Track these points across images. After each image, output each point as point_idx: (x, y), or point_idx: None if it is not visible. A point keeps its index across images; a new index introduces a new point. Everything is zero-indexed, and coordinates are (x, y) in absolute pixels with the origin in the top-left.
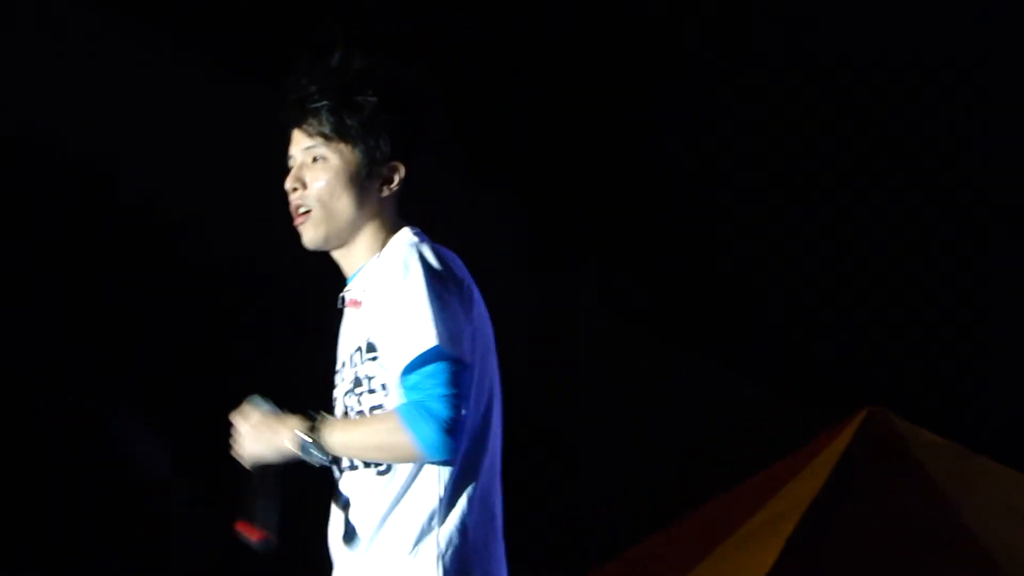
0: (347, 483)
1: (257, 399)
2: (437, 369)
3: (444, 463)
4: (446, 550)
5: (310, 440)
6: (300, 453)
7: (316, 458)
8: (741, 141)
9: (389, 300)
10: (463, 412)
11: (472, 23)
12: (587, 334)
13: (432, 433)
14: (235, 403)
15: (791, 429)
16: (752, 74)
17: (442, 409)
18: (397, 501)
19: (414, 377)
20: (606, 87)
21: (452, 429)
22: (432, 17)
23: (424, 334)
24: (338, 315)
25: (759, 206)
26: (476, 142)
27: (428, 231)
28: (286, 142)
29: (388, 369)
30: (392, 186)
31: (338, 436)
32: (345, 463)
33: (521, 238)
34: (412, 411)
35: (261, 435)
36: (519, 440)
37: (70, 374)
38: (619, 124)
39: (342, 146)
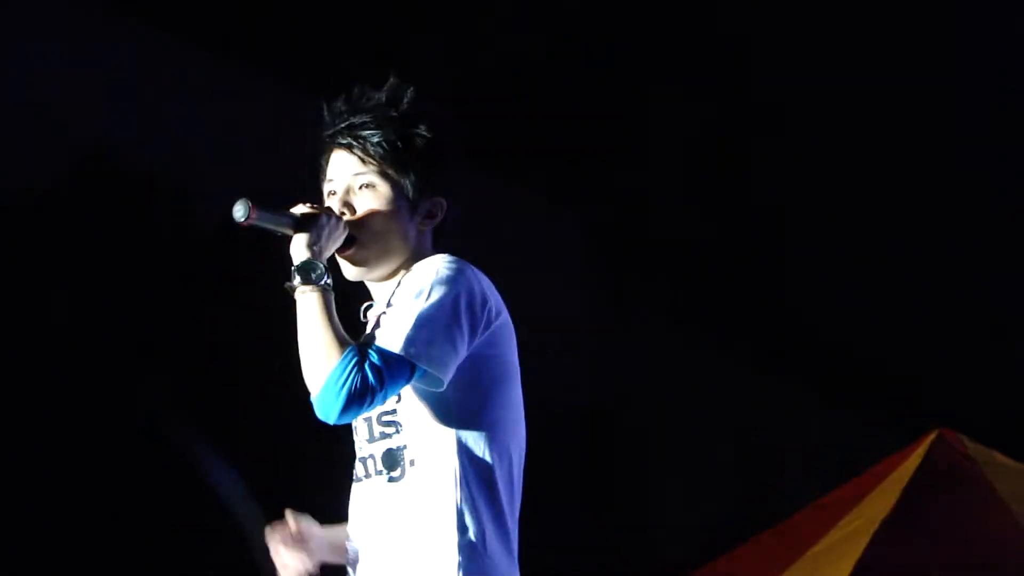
0: (361, 492)
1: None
2: (390, 356)
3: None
4: (467, 561)
5: (297, 275)
6: (294, 259)
7: (291, 278)
8: (809, 151)
9: (395, 299)
10: (376, 399)
11: (529, 31)
12: (650, 349)
13: (342, 393)
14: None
15: (862, 449)
16: (820, 82)
17: (368, 383)
18: (414, 510)
19: (370, 345)
20: (658, 95)
21: (353, 403)
22: (489, 24)
23: (397, 338)
24: (361, 328)
25: (829, 218)
26: (527, 149)
27: (477, 239)
28: (320, 163)
29: None
30: (434, 220)
31: (307, 305)
32: (359, 473)
33: (580, 246)
34: (354, 363)
35: (315, 219)
36: (578, 452)
37: (136, 385)
38: (680, 130)
39: (394, 177)
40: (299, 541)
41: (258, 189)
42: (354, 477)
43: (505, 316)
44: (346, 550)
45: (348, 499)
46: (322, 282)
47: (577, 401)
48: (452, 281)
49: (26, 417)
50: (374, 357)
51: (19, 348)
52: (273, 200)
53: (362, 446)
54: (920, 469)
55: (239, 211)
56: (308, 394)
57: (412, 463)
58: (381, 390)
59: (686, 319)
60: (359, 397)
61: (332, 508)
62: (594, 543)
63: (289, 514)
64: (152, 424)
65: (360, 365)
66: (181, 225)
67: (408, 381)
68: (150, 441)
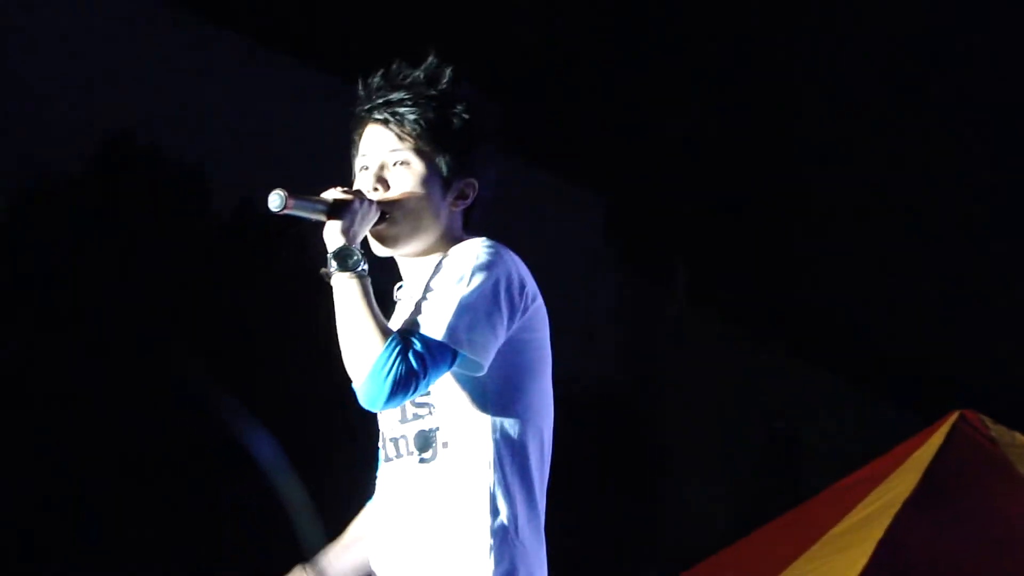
0: (392, 472)
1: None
2: (432, 343)
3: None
4: (499, 544)
5: (334, 261)
6: (329, 245)
7: (327, 265)
8: (840, 140)
9: (432, 283)
10: (420, 386)
11: (552, 18)
12: (673, 330)
13: (387, 382)
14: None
15: (884, 431)
16: (861, 72)
17: (413, 371)
18: (445, 492)
19: (413, 332)
20: (685, 82)
21: (399, 391)
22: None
23: (439, 325)
24: (392, 307)
25: (856, 205)
26: (550, 133)
27: (512, 226)
28: (349, 143)
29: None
30: (465, 201)
31: (346, 292)
32: (390, 453)
33: (607, 232)
34: (398, 351)
35: (348, 204)
36: (599, 434)
37: (170, 365)
38: (703, 119)
39: (429, 155)
40: None
41: (276, 172)
42: (384, 457)
43: (540, 300)
44: (364, 563)
45: (372, 479)
46: (359, 268)
47: (598, 384)
48: (492, 266)
49: (56, 397)
50: (417, 345)
51: (45, 329)
52: (292, 184)
53: (394, 426)
54: (941, 450)
55: (275, 202)
56: (329, 373)
57: (445, 445)
58: (425, 377)
59: (707, 304)
60: (404, 385)
61: (357, 487)
62: (616, 524)
63: (298, 571)
64: (193, 399)
65: (404, 353)
66: (201, 208)
67: (450, 367)
68: (186, 419)
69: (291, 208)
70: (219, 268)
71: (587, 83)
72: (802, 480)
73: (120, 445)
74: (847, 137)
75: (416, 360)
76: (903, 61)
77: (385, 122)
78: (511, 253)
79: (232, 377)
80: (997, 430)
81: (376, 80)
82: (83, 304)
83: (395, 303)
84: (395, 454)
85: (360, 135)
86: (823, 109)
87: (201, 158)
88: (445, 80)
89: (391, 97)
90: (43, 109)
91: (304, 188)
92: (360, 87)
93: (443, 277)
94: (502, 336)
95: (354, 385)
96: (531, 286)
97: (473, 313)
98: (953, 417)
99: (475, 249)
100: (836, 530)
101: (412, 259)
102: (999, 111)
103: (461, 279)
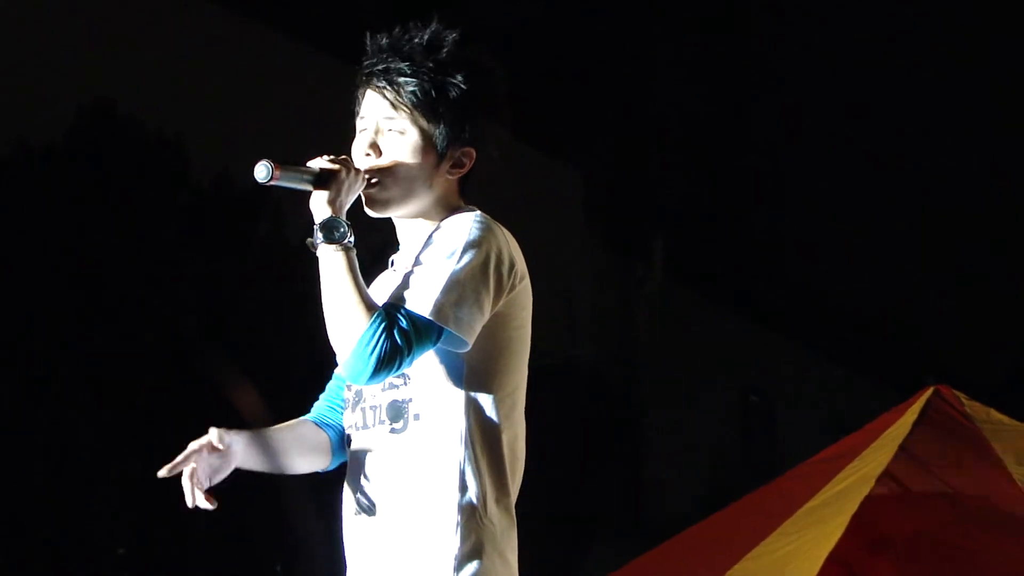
0: (362, 441)
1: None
2: (418, 319)
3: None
4: (466, 521)
5: (320, 232)
6: (316, 216)
7: (315, 236)
8: (814, 115)
9: (422, 256)
10: (404, 362)
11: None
12: (650, 303)
13: (371, 358)
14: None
15: (859, 406)
16: (820, 55)
17: (398, 347)
18: (414, 465)
19: (399, 308)
20: (662, 57)
21: (383, 368)
22: None
23: (425, 300)
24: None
25: (832, 182)
26: (531, 106)
27: (494, 201)
28: (353, 101)
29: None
30: (462, 170)
31: (331, 265)
32: (369, 421)
33: (585, 207)
34: (383, 327)
35: (335, 175)
36: (576, 406)
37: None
38: (683, 92)
39: (424, 125)
40: (217, 452)
41: (256, 142)
42: (357, 425)
43: (527, 280)
44: (269, 453)
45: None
46: (345, 240)
47: (576, 356)
48: (482, 241)
49: (35, 369)
50: (402, 321)
51: (22, 300)
52: (272, 154)
53: (375, 393)
54: (916, 425)
55: (262, 172)
56: (309, 343)
57: (416, 417)
58: (410, 354)
59: (684, 277)
60: (389, 361)
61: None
62: (592, 496)
63: (215, 432)
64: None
65: (389, 329)
66: (181, 178)
67: (435, 343)
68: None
69: (278, 179)
70: (199, 238)
71: (568, 59)
72: (777, 453)
73: (103, 414)
74: (822, 112)
75: (401, 336)
76: (866, 44)
77: (382, 90)
78: (502, 229)
79: (211, 345)
80: (972, 406)
81: (381, 40)
82: (60, 274)
83: (391, 270)
84: (372, 422)
85: (362, 95)
86: (800, 88)
87: (181, 128)
88: (447, 47)
89: (390, 65)
90: (21, 79)
91: (285, 157)
92: (368, 43)
93: (432, 251)
94: (488, 313)
95: (338, 360)
96: (520, 264)
97: (461, 289)
98: (928, 393)
99: (466, 223)
100: (810, 505)
101: (408, 223)
102: (965, 88)
103: (452, 254)
